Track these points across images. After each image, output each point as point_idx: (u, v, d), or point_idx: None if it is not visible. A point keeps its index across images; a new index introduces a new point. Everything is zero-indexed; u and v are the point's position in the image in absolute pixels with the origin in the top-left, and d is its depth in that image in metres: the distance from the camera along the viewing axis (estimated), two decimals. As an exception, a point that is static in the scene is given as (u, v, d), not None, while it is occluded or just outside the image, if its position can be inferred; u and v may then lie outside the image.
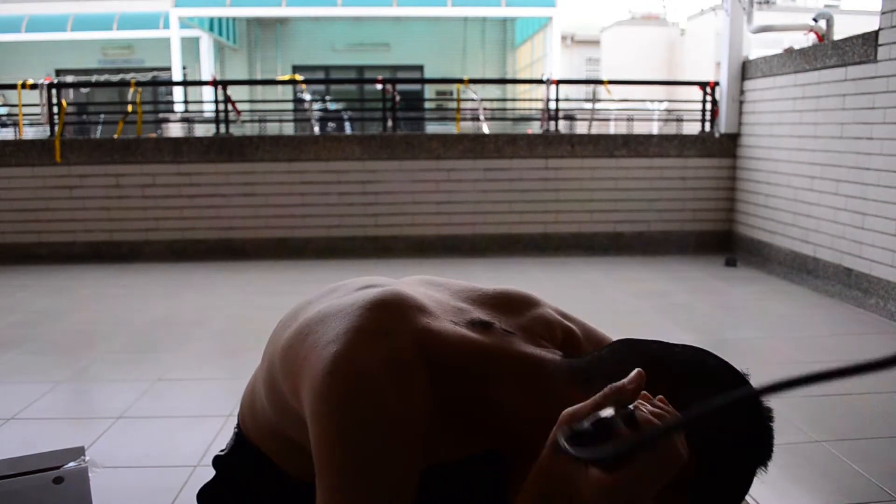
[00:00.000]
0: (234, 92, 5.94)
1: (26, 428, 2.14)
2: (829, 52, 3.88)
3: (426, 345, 0.83)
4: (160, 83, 13.83)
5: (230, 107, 5.27)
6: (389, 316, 0.83)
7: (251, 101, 10.62)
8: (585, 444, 0.68)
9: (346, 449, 0.75)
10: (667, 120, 9.43)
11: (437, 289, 0.97)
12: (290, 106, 10.34)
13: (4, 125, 8.01)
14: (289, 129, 7.95)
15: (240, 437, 1.08)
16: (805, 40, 4.48)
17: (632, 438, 0.68)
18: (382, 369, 0.77)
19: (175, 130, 8.16)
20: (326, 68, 15.34)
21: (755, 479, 0.78)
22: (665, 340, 0.87)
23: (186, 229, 4.90)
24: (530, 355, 0.86)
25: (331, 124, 9.00)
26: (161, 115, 8.53)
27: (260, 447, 1.02)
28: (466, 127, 6.87)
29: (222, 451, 1.14)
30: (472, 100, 6.18)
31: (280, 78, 11.96)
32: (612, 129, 9.63)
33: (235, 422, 1.13)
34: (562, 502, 0.71)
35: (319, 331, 0.84)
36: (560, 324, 0.95)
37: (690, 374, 0.80)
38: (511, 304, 0.95)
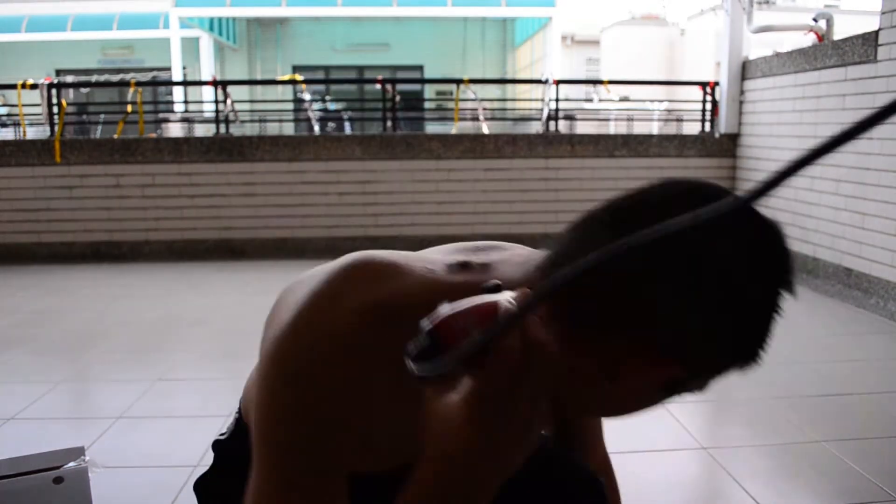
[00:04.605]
0: (234, 92, 5.94)
1: (26, 428, 2.14)
2: (829, 52, 3.88)
3: (388, 306, 0.77)
4: (160, 83, 13.82)
5: (228, 102, 5.27)
6: (347, 282, 0.79)
7: (251, 101, 10.61)
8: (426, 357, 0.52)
9: (269, 451, 0.70)
10: (667, 120, 9.43)
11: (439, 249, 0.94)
12: (290, 106, 10.34)
13: (4, 125, 8.01)
14: (289, 129, 7.94)
15: (240, 423, 1.08)
16: (805, 40, 4.48)
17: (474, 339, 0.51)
18: (319, 363, 0.72)
19: (175, 130, 8.16)
20: (326, 68, 15.34)
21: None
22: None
23: (186, 229, 4.90)
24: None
25: (331, 124, 8.99)
26: (161, 115, 8.52)
27: None
28: (466, 127, 6.87)
29: (222, 434, 1.14)
30: (472, 100, 6.18)
31: (280, 78, 11.96)
32: (612, 129, 9.62)
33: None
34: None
35: (280, 307, 0.84)
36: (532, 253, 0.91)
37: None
38: (491, 246, 0.93)
